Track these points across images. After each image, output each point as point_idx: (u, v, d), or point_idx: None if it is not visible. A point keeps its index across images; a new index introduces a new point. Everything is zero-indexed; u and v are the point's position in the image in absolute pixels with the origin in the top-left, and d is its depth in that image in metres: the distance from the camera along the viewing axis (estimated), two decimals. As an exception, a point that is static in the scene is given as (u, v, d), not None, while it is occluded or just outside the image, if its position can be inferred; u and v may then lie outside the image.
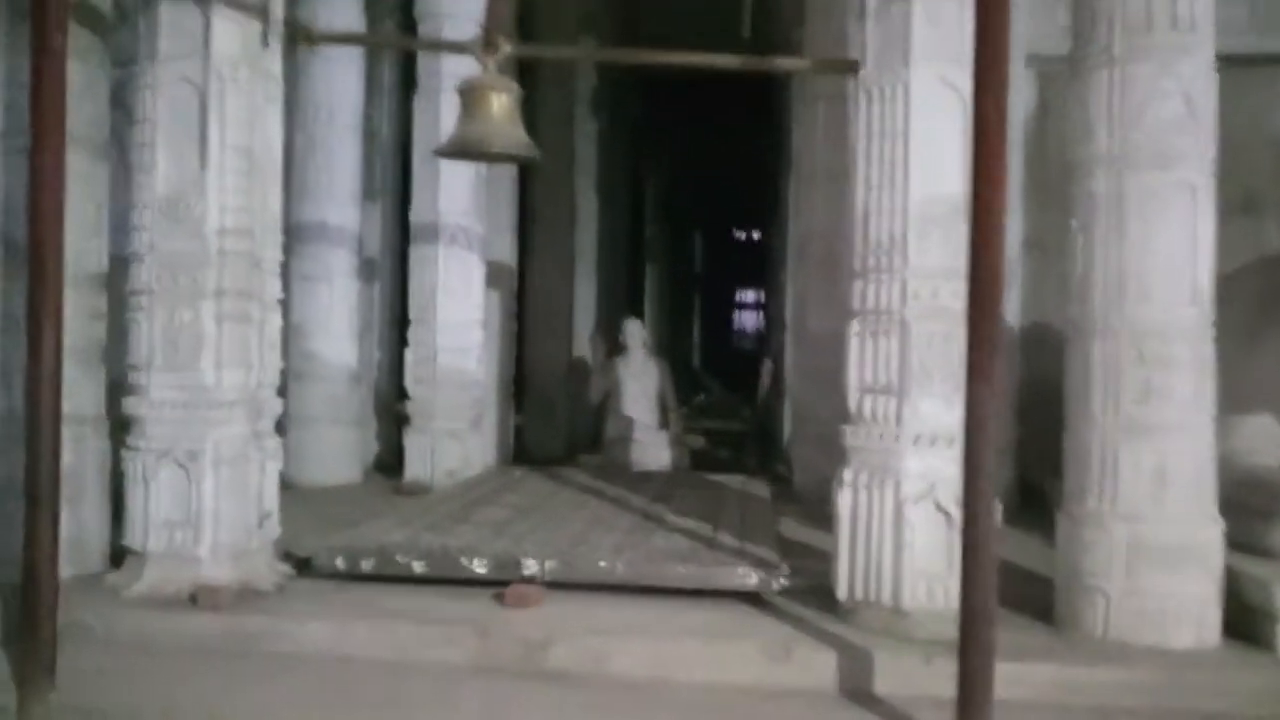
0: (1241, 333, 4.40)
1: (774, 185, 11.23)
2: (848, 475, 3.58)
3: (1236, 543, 3.50)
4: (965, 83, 2.99)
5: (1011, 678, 2.89)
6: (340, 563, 3.98)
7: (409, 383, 6.50)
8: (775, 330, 11.36)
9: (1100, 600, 3.38)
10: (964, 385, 2.80)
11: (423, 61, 6.55)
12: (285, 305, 4.24)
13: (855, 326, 3.61)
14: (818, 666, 3.26)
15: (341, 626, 3.49)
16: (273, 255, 4.01)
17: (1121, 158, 3.40)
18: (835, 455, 3.74)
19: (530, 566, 3.88)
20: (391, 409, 7.51)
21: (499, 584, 3.81)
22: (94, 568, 3.94)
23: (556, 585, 3.84)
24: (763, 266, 18.13)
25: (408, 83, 7.17)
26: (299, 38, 4.33)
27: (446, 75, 6.08)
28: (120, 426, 3.93)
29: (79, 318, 3.77)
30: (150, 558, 3.74)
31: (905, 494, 3.44)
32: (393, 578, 3.93)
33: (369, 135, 7.24)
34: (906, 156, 3.47)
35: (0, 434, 3.78)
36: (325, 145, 6.62)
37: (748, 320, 27.56)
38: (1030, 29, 5.79)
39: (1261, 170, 6.23)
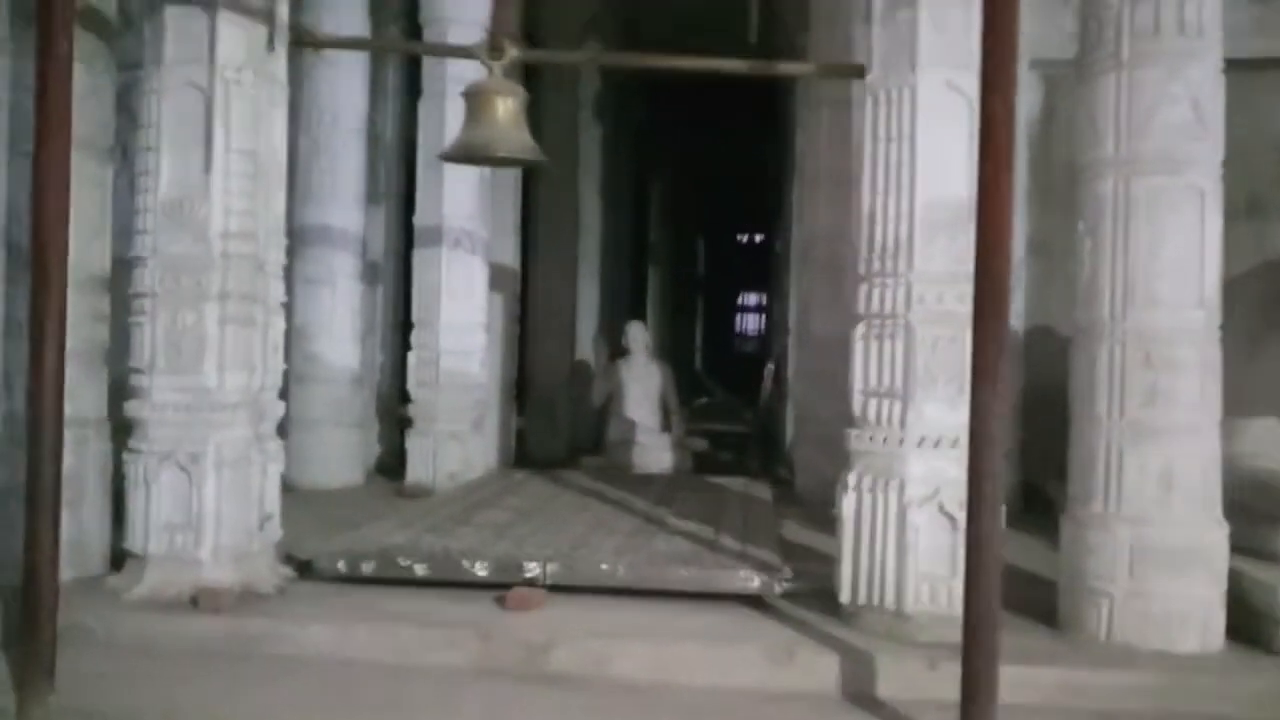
0: (1246, 336, 4.40)
1: (777, 189, 11.24)
2: (851, 478, 3.57)
3: (1241, 546, 3.49)
4: (971, 87, 2.99)
5: (1015, 681, 2.88)
6: (342, 565, 3.98)
7: (411, 385, 6.50)
8: (778, 333, 11.37)
9: (1104, 603, 3.37)
10: (968, 388, 2.79)
11: (427, 66, 6.58)
12: (288, 308, 4.25)
13: (860, 330, 3.60)
14: (820, 670, 3.25)
15: (343, 629, 3.49)
16: (276, 258, 4.01)
17: (1129, 162, 3.40)
18: (838, 458, 3.74)
19: (532, 569, 3.88)
20: (393, 411, 7.52)
21: (500, 587, 3.81)
22: (95, 570, 3.94)
23: (558, 588, 3.84)
24: (766, 270, 18.16)
25: (412, 87, 7.20)
26: (304, 42, 4.34)
27: (451, 80, 6.07)
28: (122, 429, 3.93)
29: (82, 320, 3.77)
30: (151, 560, 3.73)
31: (909, 497, 3.43)
32: (394, 580, 3.92)
33: (373, 139, 7.24)
34: (913, 161, 3.47)
35: (2, 436, 3.78)
36: (329, 149, 6.63)
37: (750, 323, 27.54)
38: (1034, 33, 5.76)
39: (1266, 174, 6.21)
